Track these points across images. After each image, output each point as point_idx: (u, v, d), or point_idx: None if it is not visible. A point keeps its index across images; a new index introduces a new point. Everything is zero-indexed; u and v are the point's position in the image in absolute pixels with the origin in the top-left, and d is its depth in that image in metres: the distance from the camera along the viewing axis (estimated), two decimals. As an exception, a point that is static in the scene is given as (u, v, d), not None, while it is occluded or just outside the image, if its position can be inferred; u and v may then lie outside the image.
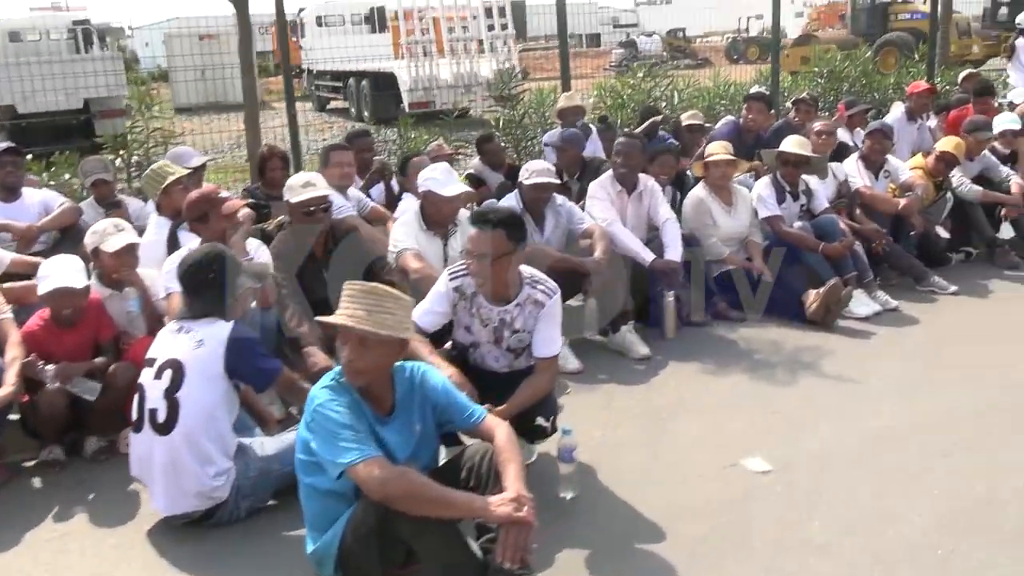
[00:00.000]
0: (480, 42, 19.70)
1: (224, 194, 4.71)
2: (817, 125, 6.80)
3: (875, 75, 10.33)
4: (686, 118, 8.25)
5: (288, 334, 4.57)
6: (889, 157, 6.93)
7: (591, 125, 7.91)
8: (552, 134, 7.30)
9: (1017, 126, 7.52)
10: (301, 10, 25.97)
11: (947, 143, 7.12)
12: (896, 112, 8.20)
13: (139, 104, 7.99)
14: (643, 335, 5.58)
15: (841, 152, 7.72)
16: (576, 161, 6.89)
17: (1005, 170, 7.38)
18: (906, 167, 6.98)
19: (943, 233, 7.08)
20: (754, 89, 7.13)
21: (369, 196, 6.39)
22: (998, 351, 5.28)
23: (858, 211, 6.67)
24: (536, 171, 5.43)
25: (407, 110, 18.47)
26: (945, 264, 7.08)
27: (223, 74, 22.49)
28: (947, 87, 10.71)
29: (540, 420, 3.70)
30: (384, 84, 20.05)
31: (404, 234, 5.00)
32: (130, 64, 37.48)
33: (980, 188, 7.08)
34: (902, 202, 6.62)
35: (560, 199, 5.65)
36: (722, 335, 5.74)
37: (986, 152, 7.41)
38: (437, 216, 5.05)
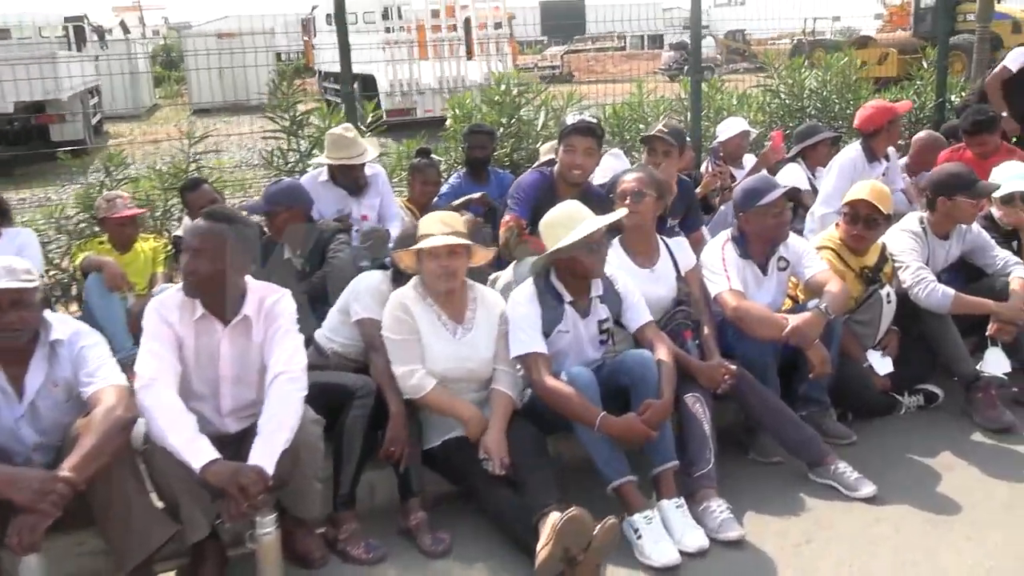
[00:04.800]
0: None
1: None
2: (628, 178, 3.76)
3: (864, 90, 7.07)
4: (545, 151, 5.40)
5: None
6: (791, 237, 3.91)
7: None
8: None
9: (1031, 185, 4.39)
10: (314, 8, 23.60)
11: (859, 189, 4.05)
12: (851, 151, 5.11)
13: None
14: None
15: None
16: (300, 228, 4.24)
17: (1004, 256, 4.26)
18: (812, 251, 3.93)
19: (880, 366, 3.99)
20: (571, 118, 4.13)
21: None
22: None
23: (705, 331, 3.68)
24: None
25: (384, 117, 15.93)
26: (890, 414, 4.06)
27: (243, 73, 20.56)
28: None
29: None
30: (370, 87, 17.53)
31: None
32: (176, 63, 36.11)
33: (952, 291, 3.98)
34: (792, 321, 3.60)
35: (67, 330, 2.90)
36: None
37: (976, 225, 4.31)
38: None
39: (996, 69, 6.32)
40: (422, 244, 3.21)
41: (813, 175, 5.71)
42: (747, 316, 3.60)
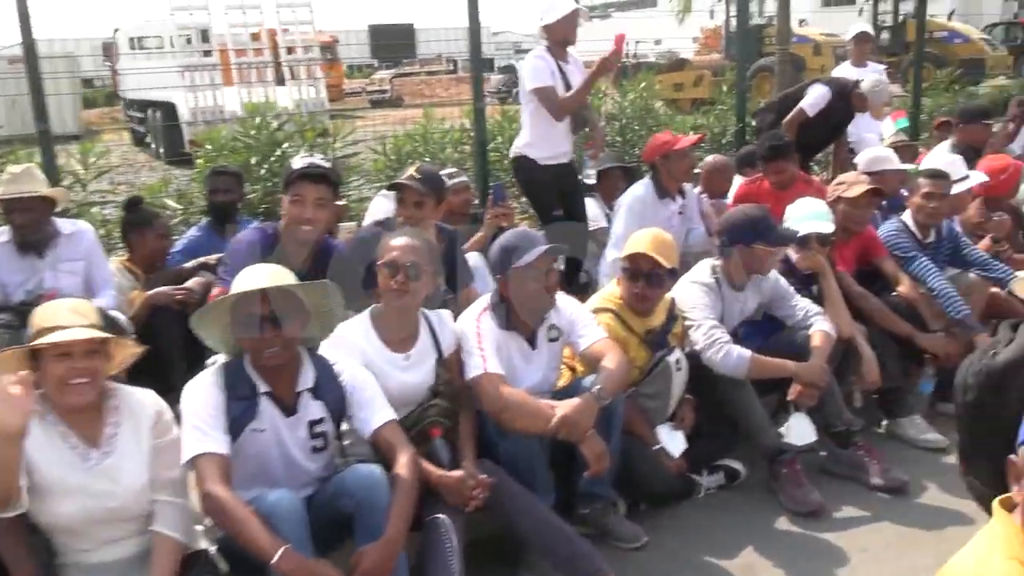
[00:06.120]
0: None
1: None
2: (396, 243, 2.87)
3: (673, 115, 6.60)
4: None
5: None
6: (561, 301, 3.21)
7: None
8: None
9: (827, 227, 3.88)
10: (116, 30, 21.71)
11: (638, 240, 3.38)
12: (639, 187, 4.53)
13: None
14: None
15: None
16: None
17: (804, 305, 3.73)
18: (588, 316, 3.24)
19: (672, 445, 3.36)
20: (298, 161, 3.30)
21: None
22: None
23: (463, 428, 2.91)
24: None
25: (187, 148, 14.57)
26: (688, 498, 3.43)
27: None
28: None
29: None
30: (173, 116, 16.13)
31: None
32: None
33: (748, 353, 3.40)
34: (560, 410, 2.88)
35: None
36: None
37: (775, 273, 3.77)
38: None
39: (794, 111, 5.86)
40: (47, 339, 2.28)
41: (609, 209, 5.18)
42: (507, 406, 2.86)
